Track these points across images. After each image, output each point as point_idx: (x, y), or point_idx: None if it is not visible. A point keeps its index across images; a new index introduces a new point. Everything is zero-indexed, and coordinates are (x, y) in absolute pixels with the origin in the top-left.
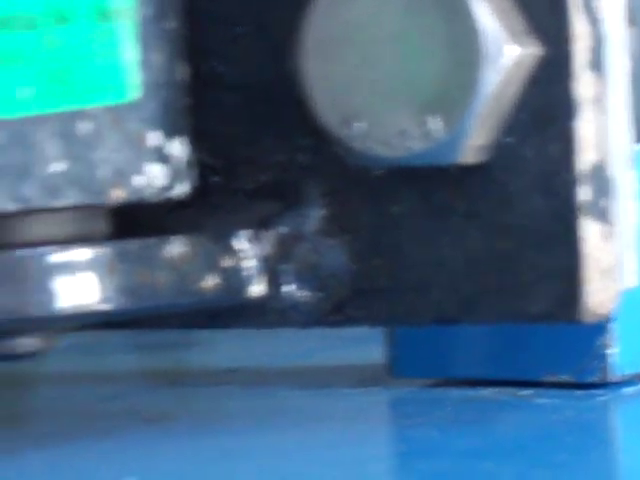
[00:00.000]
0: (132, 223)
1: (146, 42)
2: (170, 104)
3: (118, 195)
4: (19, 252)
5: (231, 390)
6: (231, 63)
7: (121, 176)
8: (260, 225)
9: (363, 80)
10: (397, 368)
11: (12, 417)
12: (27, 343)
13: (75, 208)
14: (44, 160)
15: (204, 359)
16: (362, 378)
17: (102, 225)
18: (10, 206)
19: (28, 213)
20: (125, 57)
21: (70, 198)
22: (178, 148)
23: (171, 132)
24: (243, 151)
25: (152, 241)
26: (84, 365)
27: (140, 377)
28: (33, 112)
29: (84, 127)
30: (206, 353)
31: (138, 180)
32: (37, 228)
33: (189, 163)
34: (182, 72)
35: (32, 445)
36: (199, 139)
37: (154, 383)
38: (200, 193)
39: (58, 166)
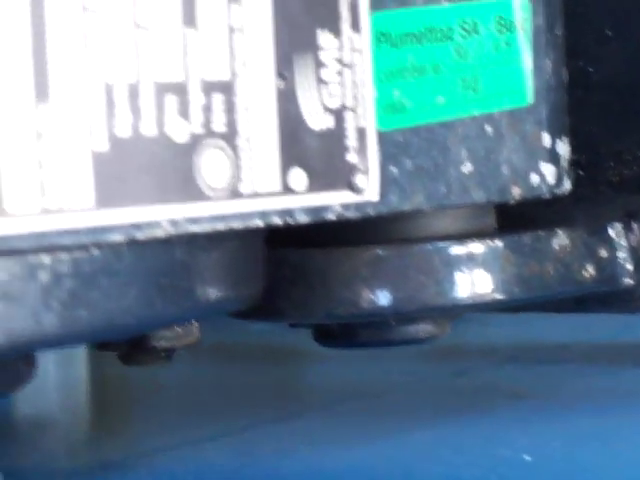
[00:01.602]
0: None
1: (538, 49)
2: (557, 106)
3: (517, 193)
4: (425, 246)
5: (574, 368)
6: (600, 63)
7: (519, 175)
8: (628, 217)
9: None
10: None
11: (370, 392)
12: (425, 329)
13: (470, 205)
14: (455, 162)
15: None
16: None
17: (490, 220)
18: (425, 205)
19: (433, 210)
20: (523, 64)
21: (477, 196)
22: (563, 147)
23: (558, 132)
24: (608, 147)
25: (541, 234)
26: None
27: (479, 353)
28: (446, 118)
29: (489, 130)
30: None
31: (534, 178)
32: (438, 224)
33: (570, 161)
34: (564, 75)
35: (398, 420)
36: None
37: (491, 359)
38: None
39: (467, 167)
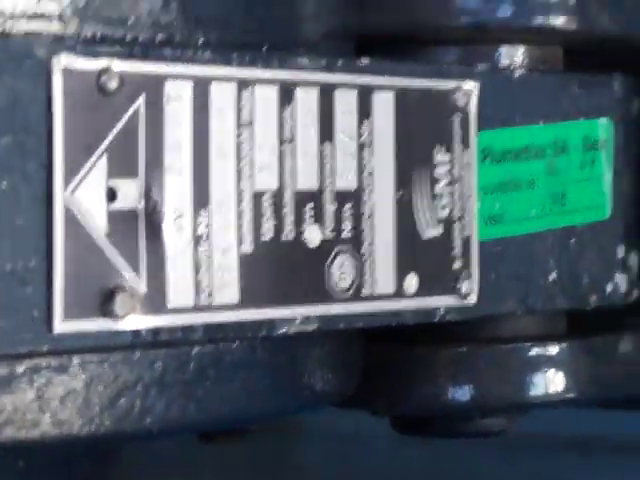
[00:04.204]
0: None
1: (617, 168)
2: (631, 221)
3: (594, 301)
4: (504, 346)
5: None
6: None
7: (597, 284)
8: None
9: None
10: None
11: None
12: (499, 423)
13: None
14: (544, 270)
15: None
16: None
17: (562, 323)
18: (517, 309)
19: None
20: (604, 181)
21: (560, 303)
22: (634, 259)
23: (630, 245)
24: None
25: (610, 338)
26: None
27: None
28: (537, 229)
29: (573, 242)
30: None
31: (609, 288)
32: (514, 326)
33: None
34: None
35: None
36: None
37: None
38: None
39: (553, 276)
